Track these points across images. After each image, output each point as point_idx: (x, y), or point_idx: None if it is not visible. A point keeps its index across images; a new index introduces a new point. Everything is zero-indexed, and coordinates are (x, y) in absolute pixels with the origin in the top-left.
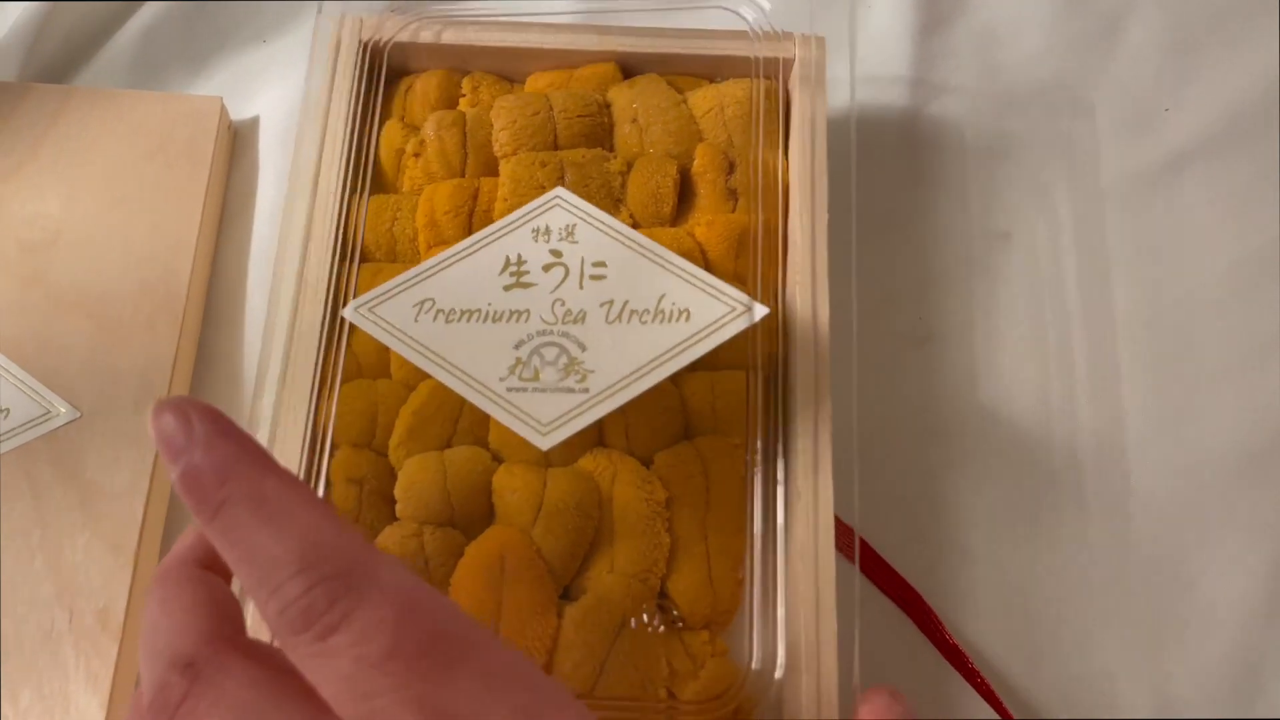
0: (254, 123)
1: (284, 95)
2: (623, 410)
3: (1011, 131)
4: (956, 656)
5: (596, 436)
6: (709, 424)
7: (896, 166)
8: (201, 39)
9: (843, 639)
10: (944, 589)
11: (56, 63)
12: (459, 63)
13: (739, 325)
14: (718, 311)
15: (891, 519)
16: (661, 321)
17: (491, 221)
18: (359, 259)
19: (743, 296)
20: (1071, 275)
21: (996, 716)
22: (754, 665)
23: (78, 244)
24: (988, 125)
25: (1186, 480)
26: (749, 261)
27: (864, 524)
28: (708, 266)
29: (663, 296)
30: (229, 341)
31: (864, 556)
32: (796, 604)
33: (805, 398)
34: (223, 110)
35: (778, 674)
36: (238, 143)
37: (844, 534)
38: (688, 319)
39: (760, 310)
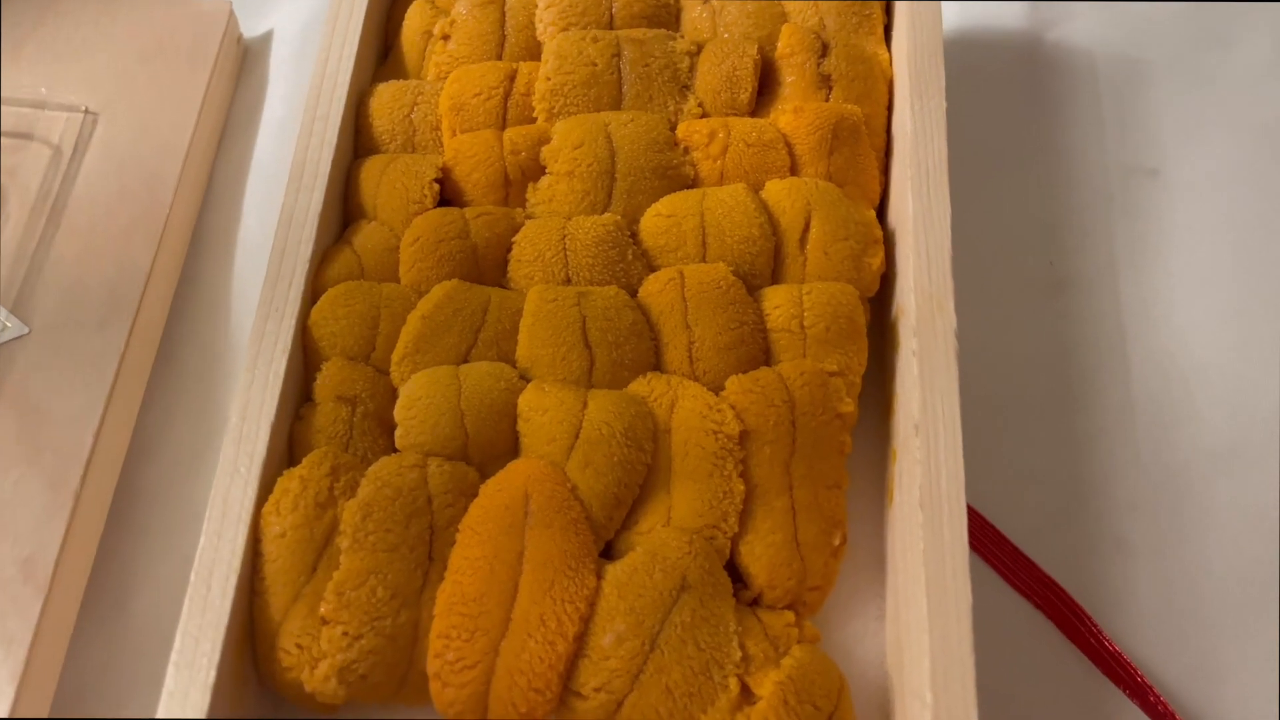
0: (266, 38)
1: (300, 10)
2: (686, 324)
3: (1148, 60)
4: (1119, 668)
5: (652, 358)
6: (796, 347)
7: (1017, 92)
8: None
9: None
10: (1094, 587)
11: None
12: None
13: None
14: None
15: (1026, 500)
16: None
17: (530, 109)
18: (368, 151)
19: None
20: (1231, 216)
21: None
22: (853, 663)
23: None
24: (1120, 52)
25: None
26: (846, 157)
27: (991, 504)
28: (793, 163)
29: None
30: (219, 259)
31: (989, 542)
32: (910, 587)
33: (922, 321)
34: (231, 18)
35: (885, 680)
36: (248, 58)
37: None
38: None
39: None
